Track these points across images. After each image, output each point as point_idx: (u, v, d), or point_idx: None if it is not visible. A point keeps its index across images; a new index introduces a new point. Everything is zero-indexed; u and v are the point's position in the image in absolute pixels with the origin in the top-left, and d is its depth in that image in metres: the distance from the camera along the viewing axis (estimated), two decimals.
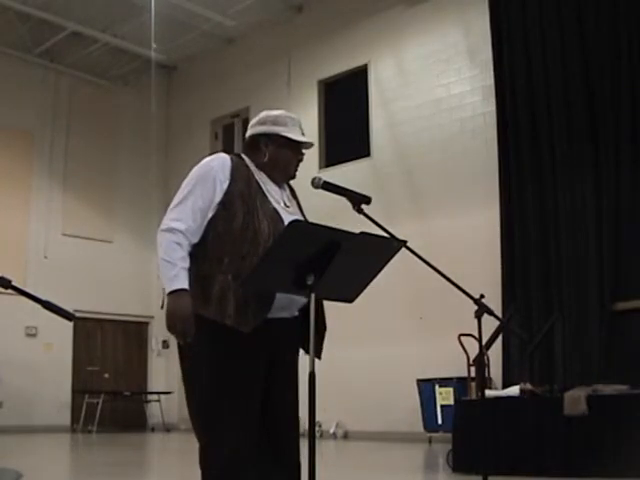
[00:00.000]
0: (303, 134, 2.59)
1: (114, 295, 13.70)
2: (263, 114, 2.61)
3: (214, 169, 2.46)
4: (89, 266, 13.49)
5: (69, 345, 13.23)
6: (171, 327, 2.31)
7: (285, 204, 2.55)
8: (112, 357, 14.11)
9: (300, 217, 2.58)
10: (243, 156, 2.60)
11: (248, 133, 2.63)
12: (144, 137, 14.44)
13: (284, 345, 2.45)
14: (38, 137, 13.46)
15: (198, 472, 2.39)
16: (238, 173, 2.46)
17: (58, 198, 13.52)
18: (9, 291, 2.25)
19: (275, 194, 2.54)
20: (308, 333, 2.19)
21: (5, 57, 13.03)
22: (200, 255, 2.42)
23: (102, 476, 6.42)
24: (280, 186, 2.60)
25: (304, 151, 2.62)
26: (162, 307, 2.39)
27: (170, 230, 2.39)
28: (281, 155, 2.55)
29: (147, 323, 14.59)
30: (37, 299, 2.20)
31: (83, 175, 13.79)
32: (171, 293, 2.32)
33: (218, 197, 2.42)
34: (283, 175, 2.59)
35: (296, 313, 2.46)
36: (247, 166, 2.54)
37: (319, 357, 2.52)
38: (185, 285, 2.32)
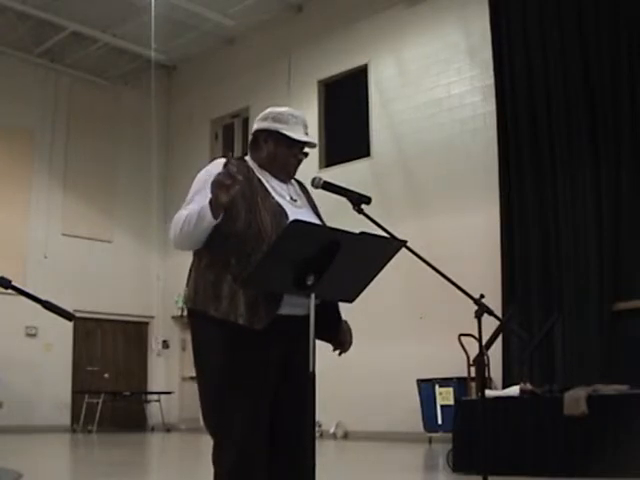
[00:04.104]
0: (307, 133, 2.57)
1: (114, 295, 13.69)
2: (267, 110, 2.60)
3: (212, 173, 2.46)
4: (89, 266, 13.49)
5: (69, 345, 13.23)
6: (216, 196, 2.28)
7: (292, 198, 2.54)
8: (112, 357, 14.10)
9: (308, 212, 2.57)
10: (246, 157, 2.61)
11: (252, 128, 2.64)
12: (144, 137, 14.42)
13: (298, 343, 2.38)
14: (38, 137, 13.46)
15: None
16: (238, 174, 2.46)
17: (58, 198, 13.52)
18: (9, 291, 2.25)
19: (280, 189, 2.53)
20: (325, 323, 2.18)
21: (5, 57, 13.04)
22: (208, 258, 2.43)
23: (102, 476, 6.42)
24: (285, 182, 2.59)
25: (307, 150, 2.59)
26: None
27: (173, 220, 2.42)
28: (279, 152, 2.54)
29: (147, 323, 14.59)
30: (37, 299, 2.20)
31: (83, 175, 13.79)
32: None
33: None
34: (282, 173, 2.57)
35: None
36: (248, 166, 2.54)
37: (346, 351, 2.56)
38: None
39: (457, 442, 5.90)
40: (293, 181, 2.66)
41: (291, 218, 2.34)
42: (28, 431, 11.80)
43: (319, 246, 2.17)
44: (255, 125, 2.61)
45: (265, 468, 2.38)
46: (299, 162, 2.60)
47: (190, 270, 2.52)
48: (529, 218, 9.04)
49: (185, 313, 2.52)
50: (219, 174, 2.28)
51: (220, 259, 2.40)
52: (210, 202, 2.29)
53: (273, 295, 2.33)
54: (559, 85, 8.94)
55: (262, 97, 12.30)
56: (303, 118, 2.59)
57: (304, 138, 2.54)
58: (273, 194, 2.49)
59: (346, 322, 2.59)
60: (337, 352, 2.57)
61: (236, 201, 2.38)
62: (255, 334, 2.32)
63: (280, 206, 2.45)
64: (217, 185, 2.25)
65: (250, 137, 2.64)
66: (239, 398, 2.35)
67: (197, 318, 2.46)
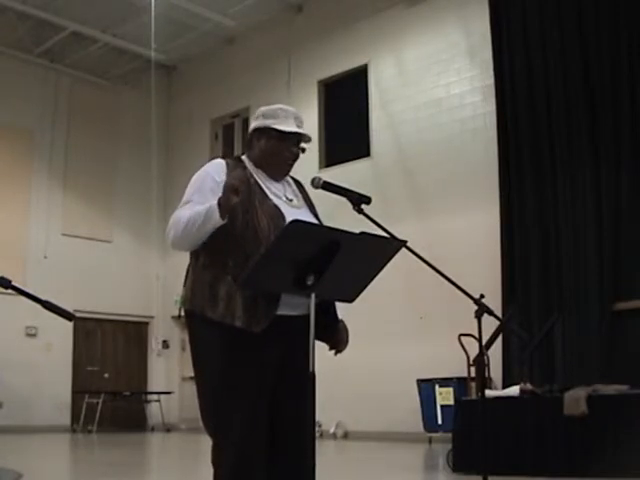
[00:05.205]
0: (300, 127, 2.54)
1: (114, 295, 13.69)
2: (259, 109, 2.61)
3: (210, 174, 2.48)
4: (89, 266, 13.48)
5: (69, 345, 13.23)
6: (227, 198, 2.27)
7: (287, 198, 2.54)
8: (112, 357, 14.10)
9: (306, 212, 2.56)
10: (243, 157, 2.61)
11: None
12: (144, 137, 14.42)
13: (295, 344, 2.39)
14: (38, 137, 13.46)
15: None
16: (235, 175, 2.46)
17: (58, 198, 13.52)
18: (9, 291, 2.25)
19: (276, 190, 2.53)
20: (322, 323, 2.19)
21: (5, 57, 13.03)
22: (205, 260, 2.43)
23: (102, 476, 6.42)
24: (281, 181, 2.59)
25: (305, 145, 2.57)
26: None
27: (173, 219, 2.42)
28: (270, 147, 2.53)
29: (147, 323, 14.59)
30: (37, 299, 2.20)
31: (83, 175, 13.79)
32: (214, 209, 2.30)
33: (217, 197, 2.42)
34: (274, 169, 2.55)
35: (308, 311, 2.32)
36: (245, 167, 2.54)
37: (342, 351, 2.54)
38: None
39: (457, 442, 5.90)
40: (291, 180, 2.66)
41: (288, 219, 2.34)
42: (28, 431, 11.80)
43: (319, 246, 2.17)
44: (250, 126, 2.62)
45: (264, 468, 2.38)
46: (295, 157, 2.57)
47: (187, 270, 2.52)
48: (529, 218, 9.04)
49: (182, 313, 2.52)
50: (231, 177, 2.29)
51: (217, 260, 2.39)
52: (219, 203, 2.29)
53: (271, 296, 2.33)
54: (559, 85, 8.94)
55: (262, 97, 12.29)
56: (295, 112, 2.57)
57: (293, 129, 2.51)
58: (270, 196, 2.48)
59: (342, 322, 2.58)
60: (333, 352, 2.55)
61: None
62: (252, 335, 2.31)
63: (277, 208, 2.44)
64: (230, 188, 2.26)
65: (246, 139, 2.65)
66: (237, 399, 2.34)
67: (194, 319, 2.45)
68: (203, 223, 2.33)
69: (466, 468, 5.62)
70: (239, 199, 2.27)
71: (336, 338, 2.53)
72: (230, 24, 12.73)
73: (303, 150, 2.59)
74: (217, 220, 2.30)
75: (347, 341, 2.55)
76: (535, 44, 9.22)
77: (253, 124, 2.58)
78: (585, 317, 8.31)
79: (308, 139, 2.57)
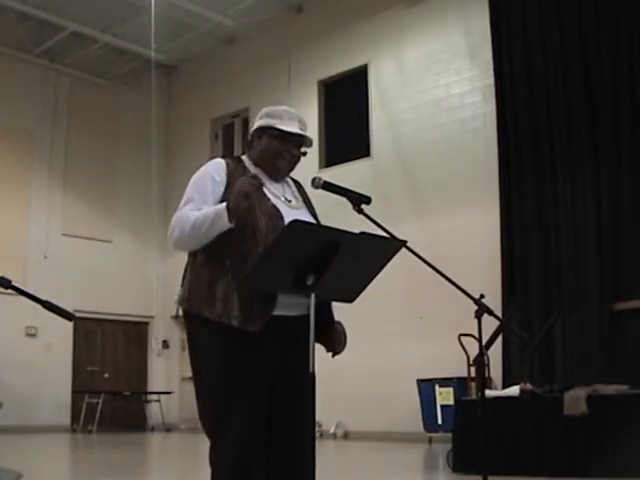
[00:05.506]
0: (303, 130, 2.54)
1: (114, 295, 13.69)
2: (264, 109, 2.61)
3: (209, 173, 2.48)
4: (89, 266, 13.48)
5: (69, 345, 13.23)
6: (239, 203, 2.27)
7: (286, 199, 2.53)
8: (112, 357, 14.10)
9: (304, 213, 2.56)
10: (243, 157, 2.61)
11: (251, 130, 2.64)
12: (144, 137, 14.42)
13: (294, 344, 2.38)
14: (38, 137, 13.46)
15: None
16: (234, 175, 2.46)
17: (58, 198, 13.52)
18: (9, 291, 2.25)
19: (275, 190, 2.52)
20: (318, 324, 2.19)
21: (5, 57, 13.03)
22: (202, 259, 2.43)
23: (102, 476, 6.42)
24: (280, 182, 2.58)
25: (306, 150, 2.57)
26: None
27: (178, 219, 2.40)
28: (271, 147, 2.52)
29: (147, 323, 14.59)
30: (37, 299, 2.20)
31: (83, 175, 13.79)
32: (224, 212, 2.29)
33: (217, 197, 2.42)
34: (274, 169, 2.55)
35: (306, 311, 2.33)
36: (245, 167, 2.54)
37: (340, 352, 2.51)
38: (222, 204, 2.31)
39: (457, 442, 5.90)
40: (290, 181, 2.65)
41: (287, 219, 2.34)
42: (28, 431, 11.80)
43: (319, 246, 2.17)
44: (253, 126, 2.61)
45: (262, 468, 2.38)
46: (295, 159, 2.57)
47: (185, 269, 2.52)
48: (529, 218, 9.04)
49: (180, 312, 2.52)
50: (244, 182, 2.28)
51: (215, 258, 2.39)
52: (228, 207, 2.28)
53: (268, 297, 2.32)
54: (559, 85, 8.94)
55: (262, 97, 12.29)
56: (299, 116, 2.58)
57: (296, 130, 2.51)
58: (269, 195, 2.48)
59: (340, 323, 2.56)
60: (330, 354, 2.52)
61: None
62: (250, 336, 2.31)
63: (276, 208, 2.44)
64: (241, 193, 2.25)
65: (249, 138, 2.64)
66: (235, 399, 2.34)
67: (192, 319, 2.45)
68: (211, 225, 2.32)
69: (466, 468, 5.63)
70: (249, 204, 2.27)
71: (333, 340, 2.51)
72: (230, 24, 12.73)
73: (304, 154, 2.59)
74: (225, 223, 2.30)
75: (345, 343, 2.53)
76: (535, 44, 9.22)
77: (257, 123, 2.58)
78: (585, 317, 8.31)
79: (310, 143, 2.57)
